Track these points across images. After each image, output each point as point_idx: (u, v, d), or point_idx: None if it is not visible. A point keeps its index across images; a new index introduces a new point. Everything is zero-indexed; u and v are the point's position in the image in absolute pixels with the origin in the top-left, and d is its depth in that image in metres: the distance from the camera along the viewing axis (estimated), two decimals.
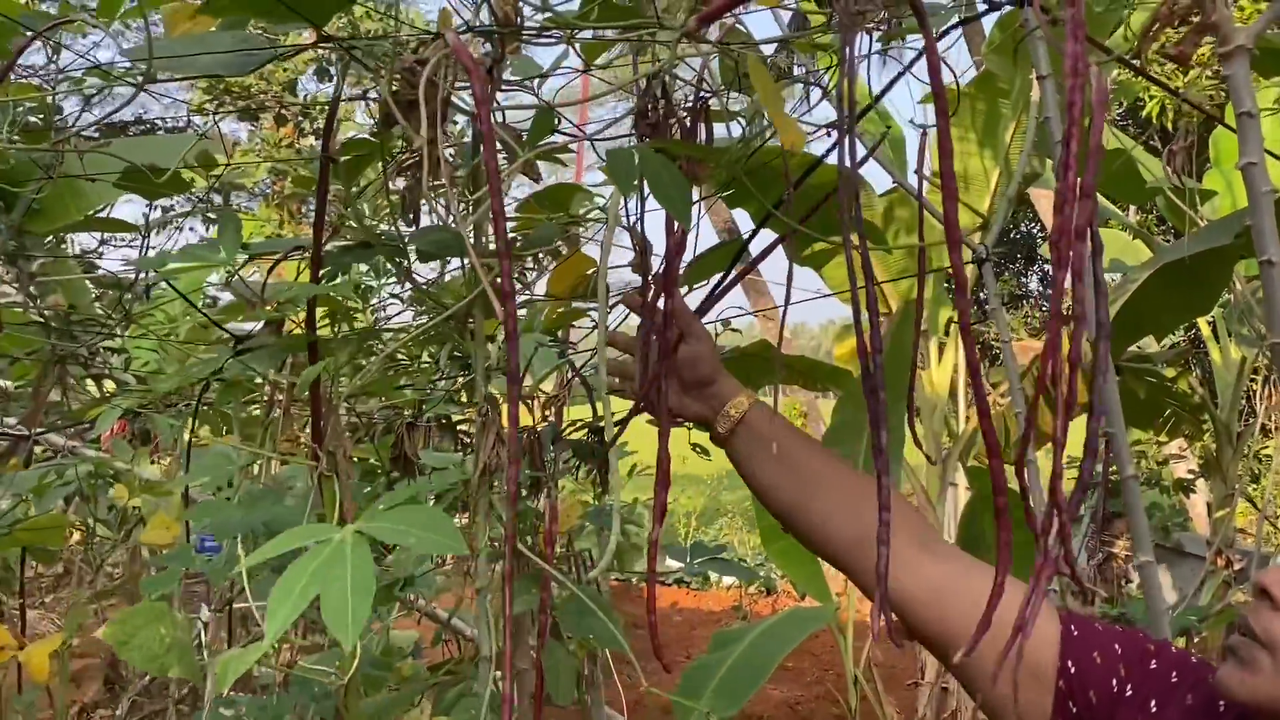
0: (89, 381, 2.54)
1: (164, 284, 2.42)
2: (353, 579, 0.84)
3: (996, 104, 3.81)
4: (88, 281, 2.54)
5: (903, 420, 3.91)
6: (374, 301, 1.20)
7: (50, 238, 2.35)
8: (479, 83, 0.89)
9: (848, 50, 0.94)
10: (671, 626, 7.93)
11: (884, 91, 1.57)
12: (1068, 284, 0.78)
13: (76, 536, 2.35)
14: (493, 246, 1.22)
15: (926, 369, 4.11)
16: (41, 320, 2.30)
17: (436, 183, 1.11)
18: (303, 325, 1.26)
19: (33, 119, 1.57)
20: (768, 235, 1.57)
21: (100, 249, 2.34)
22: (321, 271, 1.07)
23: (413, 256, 1.17)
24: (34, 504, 2.13)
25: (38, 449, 2.46)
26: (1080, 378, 0.82)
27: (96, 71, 1.25)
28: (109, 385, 2.58)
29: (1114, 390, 1.53)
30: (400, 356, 1.64)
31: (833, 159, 1.17)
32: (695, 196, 1.18)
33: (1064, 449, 0.85)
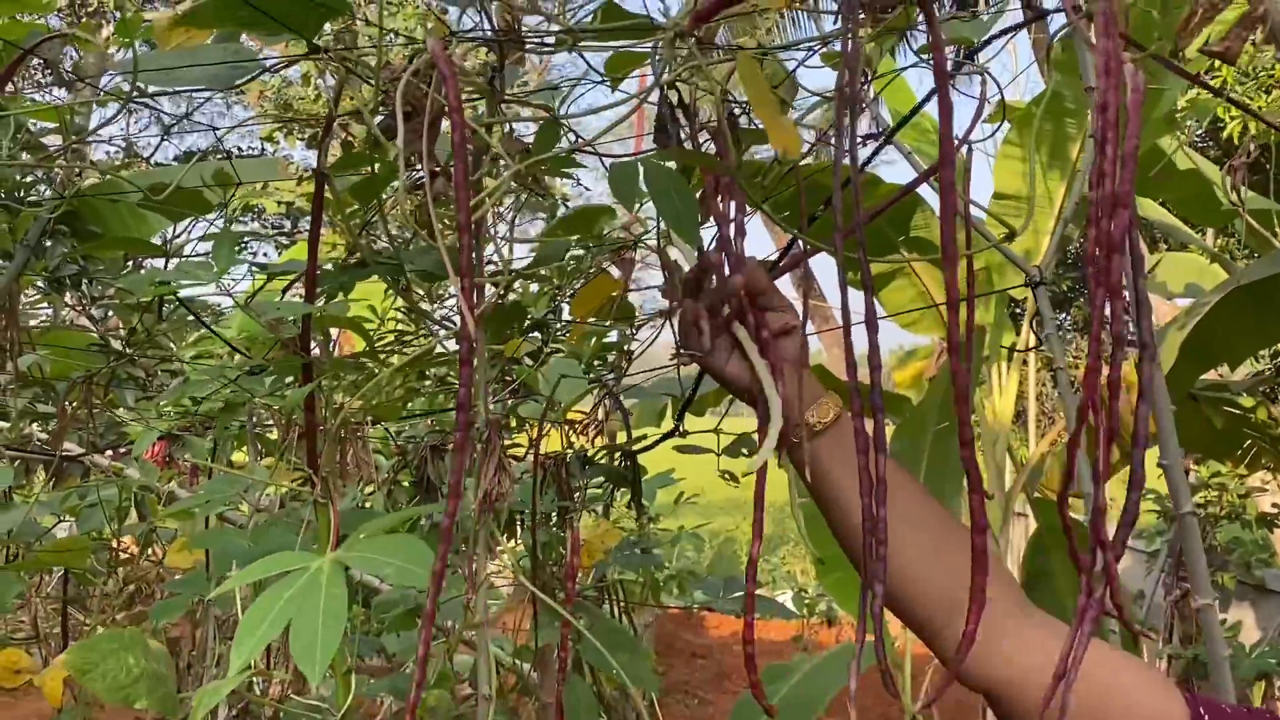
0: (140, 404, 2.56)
1: (227, 309, 2.44)
2: (325, 609, 0.80)
3: (1063, 124, 3.69)
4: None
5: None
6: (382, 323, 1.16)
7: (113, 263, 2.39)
8: (452, 87, 0.85)
9: (849, 46, 0.88)
10: (732, 656, 7.81)
11: (920, 105, 1.50)
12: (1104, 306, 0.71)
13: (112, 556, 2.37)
14: (490, 268, 1.18)
15: (989, 398, 3.97)
16: (102, 345, 2.32)
17: (433, 195, 1.07)
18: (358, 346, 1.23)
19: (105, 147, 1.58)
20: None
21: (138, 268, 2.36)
22: (318, 290, 1.03)
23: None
24: (78, 524, 2.15)
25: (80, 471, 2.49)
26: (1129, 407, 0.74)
27: (111, 94, 1.24)
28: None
29: (1169, 419, 1.43)
30: (426, 382, 1.61)
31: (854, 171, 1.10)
32: (731, 214, 1.11)
33: (1106, 480, 0.77)
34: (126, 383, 2.40)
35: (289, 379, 1.17)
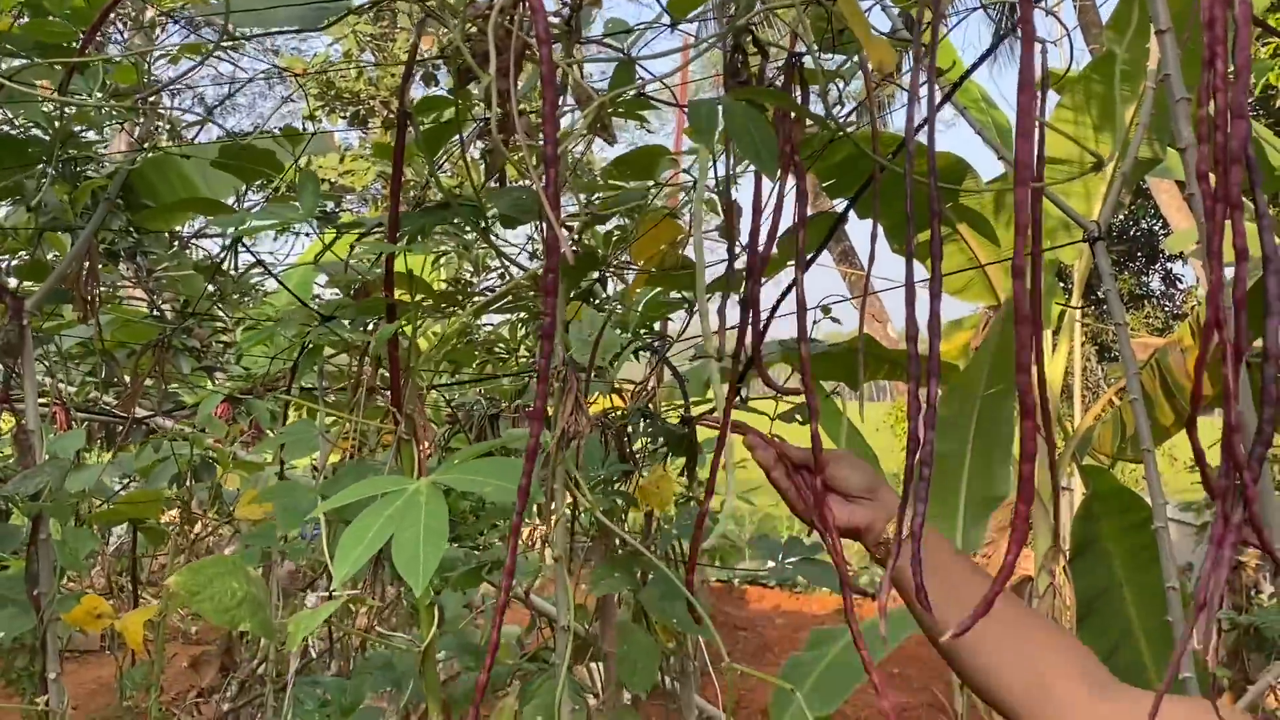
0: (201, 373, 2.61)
1: (273, 279, 2.47)
2: (426, 526, 0.82)
3: (1113, 86, 3.64)
4: (199, 277, 2.62)
5: (1012, 416, 3.75)
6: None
7: (166, 234, 2.43)
8: (542, 20, 0.86)
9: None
10: (773, 629, 7.83)
11: (979, 61, 1.50)
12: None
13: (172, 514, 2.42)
14: (572, 209, 1.19)
15: (1038, 363, 3.93)
16: (158, 315, 2.37)
17: (514, 138, 1.09)
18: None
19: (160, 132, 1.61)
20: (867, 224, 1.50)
21: (196, 236, 2.41)
22: (400, 233, 1.05)
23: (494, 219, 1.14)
24: (147, 484, 2.20)
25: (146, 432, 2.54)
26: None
27: (188, 46, 1.26)
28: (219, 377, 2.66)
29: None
30: (498, 348, 1.63)
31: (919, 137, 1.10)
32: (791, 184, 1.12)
33: (1237, 398, 0.76)
34: (182, 351, 2.45)
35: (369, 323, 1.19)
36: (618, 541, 1.71)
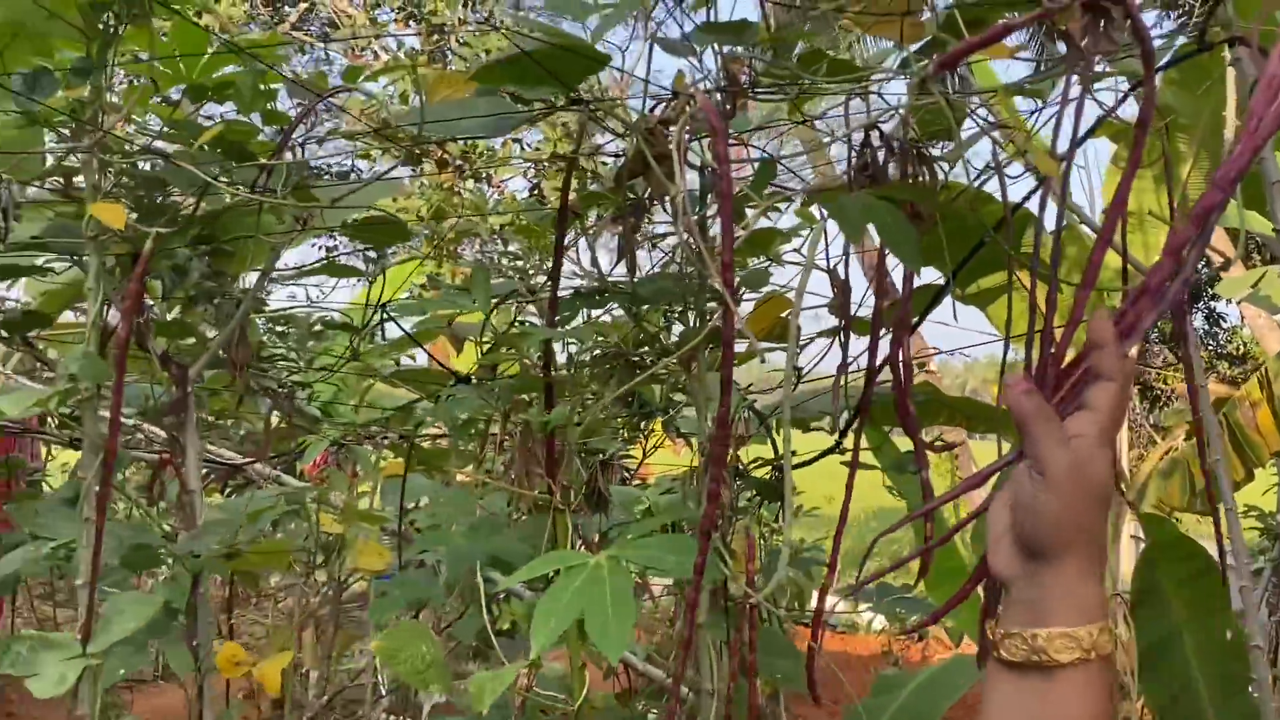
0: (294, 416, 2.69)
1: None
2: (612, 599, 0.90)
3: (1174, 140, 3.70)
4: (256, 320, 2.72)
5: None
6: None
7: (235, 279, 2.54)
8: (723, 141, 0.95)
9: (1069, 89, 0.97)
10: (817, 670, 7.78)
11: (1088, 134, 1.57)
12: None
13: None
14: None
15: None
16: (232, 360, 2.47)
17: (669, 233, 1.17)
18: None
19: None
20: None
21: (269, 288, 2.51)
22: (558, 316, 1.14)
23: None
24: (244, 530, 2.29)
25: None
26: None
27: (341, 133, 1.36)
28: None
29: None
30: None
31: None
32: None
33: None
34: (260, 395, 2.55)
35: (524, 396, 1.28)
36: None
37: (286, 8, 11.97)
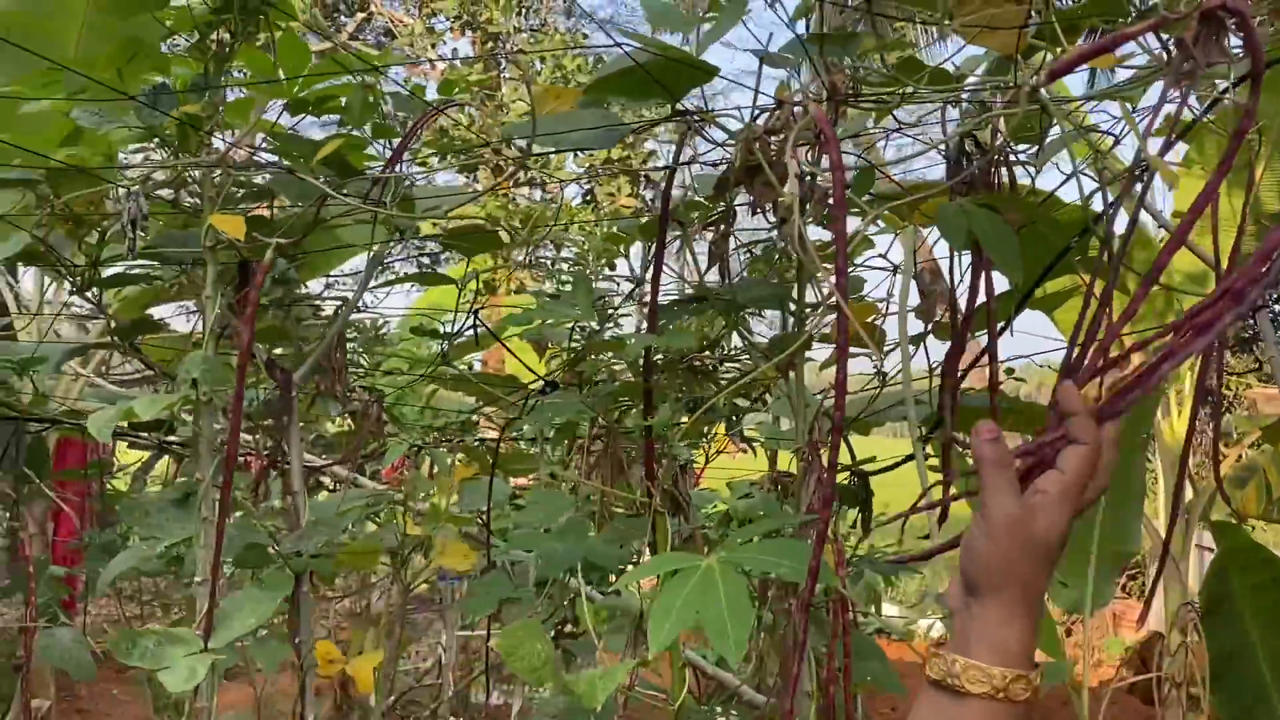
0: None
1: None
2: (727, 601, 0.91)
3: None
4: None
5: (1143, 472, 3.73)
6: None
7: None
8: (835, 149, 0.96)
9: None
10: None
11: (1181, 135, 1.56)
12: None
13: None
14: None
15: (1167, 418, 3.91)
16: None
17: (758, 240, 1.19)
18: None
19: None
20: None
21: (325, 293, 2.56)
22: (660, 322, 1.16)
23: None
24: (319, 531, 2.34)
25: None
26: None
27: (441, 144, 1.40)
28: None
29: None
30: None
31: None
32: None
33: None
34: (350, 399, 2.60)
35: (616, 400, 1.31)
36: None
37: (343, 18, 12.19)
